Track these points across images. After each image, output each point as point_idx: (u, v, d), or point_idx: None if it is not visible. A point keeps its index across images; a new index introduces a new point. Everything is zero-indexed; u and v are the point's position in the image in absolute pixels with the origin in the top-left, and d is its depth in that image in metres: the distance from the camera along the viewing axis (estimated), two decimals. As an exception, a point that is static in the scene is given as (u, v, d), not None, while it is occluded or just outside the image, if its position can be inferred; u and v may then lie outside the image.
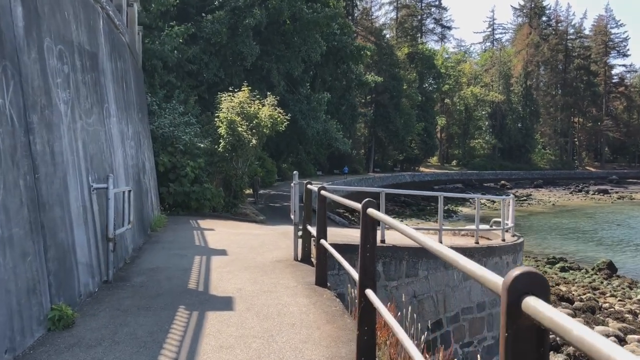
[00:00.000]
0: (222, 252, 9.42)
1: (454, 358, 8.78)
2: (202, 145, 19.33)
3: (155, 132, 18.29)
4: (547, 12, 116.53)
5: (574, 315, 19.66)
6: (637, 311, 21.52)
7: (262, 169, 33.95)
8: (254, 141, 19.47)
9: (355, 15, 72.95)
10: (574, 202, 66.73)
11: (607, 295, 24.39)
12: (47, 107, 5.39)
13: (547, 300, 1.53)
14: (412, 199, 54.55)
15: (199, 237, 11.39)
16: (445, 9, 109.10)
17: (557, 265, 29.88)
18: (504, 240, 11.39)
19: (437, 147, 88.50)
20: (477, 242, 10.64)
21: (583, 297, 23.60)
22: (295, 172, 9.12)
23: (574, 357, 15.72)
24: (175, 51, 24.30)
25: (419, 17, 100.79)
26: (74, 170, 6.09)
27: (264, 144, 23.83)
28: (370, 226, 4.33)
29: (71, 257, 5.72)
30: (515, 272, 1.55)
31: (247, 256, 9.13)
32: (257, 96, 20.57)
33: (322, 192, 7.02)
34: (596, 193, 75.25)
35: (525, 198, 67.07)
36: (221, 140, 19.45)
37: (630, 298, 23.66)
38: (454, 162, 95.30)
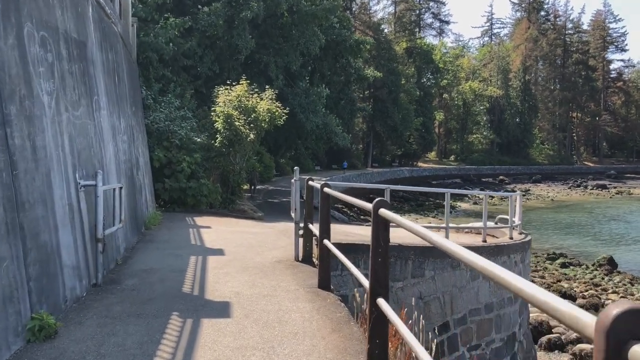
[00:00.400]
0: (219, 252, 8.99)
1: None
2: (198, 140, 18.85)
3: (151, 127, 17.81)
4: (546, 6, 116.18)
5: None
6: (641, 308, 21.19)
7: (260, 164, 33.52)
8: (251, 136, 19.01)
9: (354, 9, 72.38)
10: (572, 197, 66.54)
11: (609, 291, 24.14)
12: (27, 98, 4.95)
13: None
14: (410, 194, 54.22)
15: (194, 236, 10.95)
16: (443, 3, 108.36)
17: (558, 261, 29.62)
18: (511, 238, 10.99)
19: (435, 142, 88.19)
20: (484, 241, 10.24)
21: (585, 293, 23.36)
22: (296, 167, 8.69)
23: (579, 357, 15.39)
24: (171, 44, 23.79)
25: (417, 11, 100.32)
26: (58, 166, 5.65)
27: (262, 139, 23.38)
28: (382, 228, 3.92)
29: (55, 260, 5.29)
30: (614, 309, 1.13)
31: (245, 256, 8.70)
32: (256, 90, 20.11)
33: (325, 189, 6.61)
34: (594, 188, 75.15)
35: (523, 193, 66.24)
36: (218, 135, 18.98)
37: (633, 294, 23.40)
38: (452, 157, 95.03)
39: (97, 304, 5.74)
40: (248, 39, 28.21)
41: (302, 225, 8.24)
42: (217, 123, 18.87)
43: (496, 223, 13.07)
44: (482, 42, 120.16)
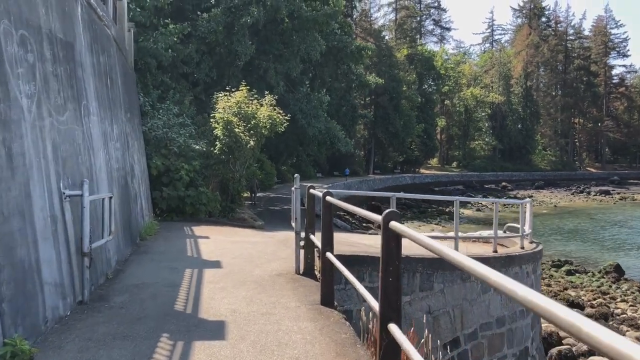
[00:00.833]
0: (216, 264, 8.54)
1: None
2: (197, 147, 18.43)
3: (148, 134, 17.41)
4: (547, 12, 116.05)
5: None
6: (652, 317, 20.73)
7: (261, 171, 33.08)
8: (251, 143, 18.58)
9: (354, 16, 72.15)
10: (576, 204, 66.02)
11: (618, 300, 23.63)
12: (2, 101, 4.52)
13: None
14: (412, 200, 53.75)
15: (191, 247, 10.50)
16: (444, 10, 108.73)
17: (563, 269, 29.07)
18: (523, 247, 10.52)
19: (437, 149, 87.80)
20: (495, 251, 9.77)
21: (594, 302, 22.84)
22: (296, 175, 8.25)
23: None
24: (170, 50, 23.41)
25: (418, 18, 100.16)
26: (39, 175, 5.22)
27: (263, 146, 22.97)
28: (393, 244, 3.47)
29: (34, 277, 4.85)
30: None
31: (244, 269, 8.24)
32: (256, 96, 19.71)
33: (328, 198, 6.16)
34: (598, 194, 74.57)
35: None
36: (217, 142, 18.56)
37: (643, 303, 22.89)
38: (454, 164, 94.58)
39: (81, 325, 5.29)
40: (248, 44, 27.85)
41: (303, 235, 7.81)
42: (216, 130, 18.46)
43: (505, 232, 12.60)
44: (483, 49, 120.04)
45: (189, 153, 17.90)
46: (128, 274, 7.82)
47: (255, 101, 19.36)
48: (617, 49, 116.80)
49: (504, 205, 62.97)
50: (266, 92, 20.79)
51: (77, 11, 7.35)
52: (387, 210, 3.49)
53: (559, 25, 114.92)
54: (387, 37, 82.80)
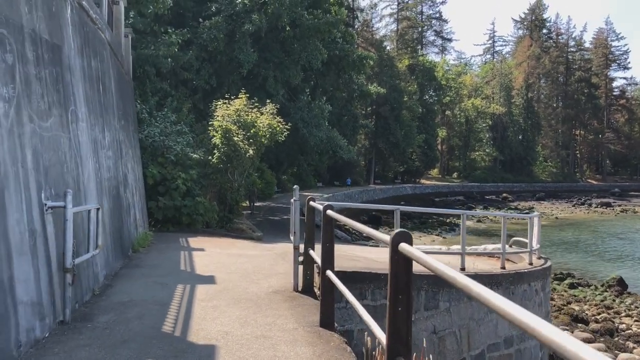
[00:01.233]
0: (210, 280, 8.10)
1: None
2: (195, 156, 18.03)
3: (145, 142, 17.02)
4: (548, 24, 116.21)
5: (593, 340, 18.37)
6: (658, 334, 20.26)
7: (262, 180, 32.68)
8: (251, 152, 18.19)
9: (356, 26, 72.04)
10: (577, 215, 65.60)
11: (622, 314, 23.16)
12: (-27, 104, 4.13)
13: None
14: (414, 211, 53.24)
15: (185, 260, 10.06)
16: (445, 21, 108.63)
17: (566, 282, 28.58)
18: (531, 264, 10.08)
19: (437, 159, 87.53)
20: (503, 267, 9.34)
21: (598, 317, 22.36)
22: (295, 186, 7.84)
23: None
24: (170, 59, 23.08)
25: (420, 29, 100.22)
26: (16, 185, 4.81)
27: (263, 155, 22.58)
28: (403, 269, 3.06)
29: (6, 296, 4.42)
30: None
31: (239, 285, 7.81)
32: (256, 104, 19.35)
33: (329, 212, 5.74)
34: (599, 206, 74.14)
35: (527, 211, 66.03)
36: (215, 151, 18.17)
37: (647, 319, 22.42)
38: (455, 175, 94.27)
39: (59, 348, 4.86)
40: (250, 52, 27.52)
41: (302, 247, 7.38)
42: (215, 138, 18.08)
43: (511, 246, 12.17)
44: (484, 60, 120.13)
45: (187, 162, 17.51)
46: (116, 289, 7.39)
47: (256, 109, 19.01)
48: (617, 62, 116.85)
49: (507, 212, 62.71)
50: (267, 101, 20.44)
51: (66, 12, 6.97)
52: (396, 231, 3.08)
53: (560, 37, 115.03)
54: (388, 48, 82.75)
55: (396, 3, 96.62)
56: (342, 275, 6.40)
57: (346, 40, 33.51)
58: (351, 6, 64.72)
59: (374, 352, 4.56)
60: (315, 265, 7.28)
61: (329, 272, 5.64)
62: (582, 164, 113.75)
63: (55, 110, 6.16)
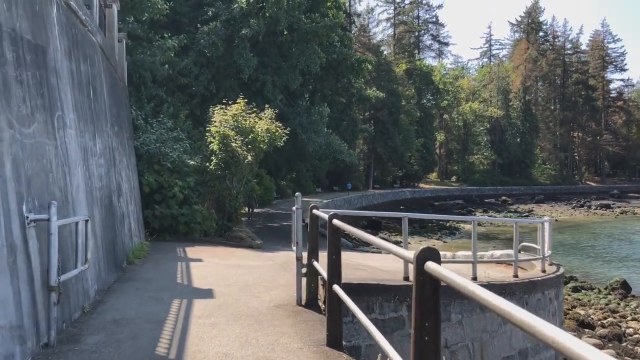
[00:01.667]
0: (208, 294, 7.66)
1: None
2: (192, 163, 17.59)
3: (140, 149, 16.59)
4: (544, 27, 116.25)
5: (602, 346, 17.96)
6: (666, 337, 19.88)
7: (261, 186, 32.28)
8: (249, 158, 17.77)
9: (353, 32, 71.81)
10: (576, 218, 65.27)
11: (629, 318, 22.75)
12: (-59, 108, 3.70)
13: None
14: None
15: (182, 272, 9.60)
16: (442, 25, 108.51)
17: (569, 285, 28.13)
18: (544, 271, 9.65)
19: (436, 163, 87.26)
20: (515, 275, 8.90)
21: (604, 322, 21.93)
22: (298, 193, 7.41)
23: None
24: (167, 65, 22.65)
25: (417, 33, 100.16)
26: (-7, 198, 4.38)
27: (262, 161, 22.16)
28: (430, 291, 2.63)
29: (-19, 322, 3.98)
30: None
31: (239, 299, 7.36)
32: (254, 109, 18.95)
33: (335, 221, 5.31)
34: (598, 208, 73.86)
35: (527, 214, 65.83)
36: (213, 157, 17.74)
37: (654, 322, 22.01)
38: (454, 178, 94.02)
39: (41, 377, 4.42)
40: (250, 57, 27.12)
41: (303, 256, 6.95)
42: (212, 144, 17.67)
43: (520, 252, 11.72)
44: (481, 63, 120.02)
45: (183, 169, 17.07)
46: (108, 306, 6.93)
47: (254, 114, 18.62)
48: (614, 63, 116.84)
49: (507, 214, 62.22)
50: (266, 106, 20.04)
51: (51, 12, 6.55)
52: (422, 248, 2.66)
53: (556, 40, 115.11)
54: (385, 52, 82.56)
55: (392, 8, 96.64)
56: (348, 287, 5.97)
57: (344, 44, 33.18)
58: (348, 11, 64.55)
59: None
60: (319, 277, 6.86)
61: (336, 287, 5.20)
62: (581, 166, 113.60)
63: (39, 116, 5.73)
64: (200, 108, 26.83)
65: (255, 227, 23.95)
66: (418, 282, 2.65)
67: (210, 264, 10.73)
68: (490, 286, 7.66)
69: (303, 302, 6.96)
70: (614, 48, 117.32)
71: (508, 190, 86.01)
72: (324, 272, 5.84)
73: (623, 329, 20.98)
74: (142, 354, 5.01)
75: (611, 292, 26.56)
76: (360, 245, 25.57)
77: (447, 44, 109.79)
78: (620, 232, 51.89)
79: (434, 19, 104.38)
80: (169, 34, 23.44)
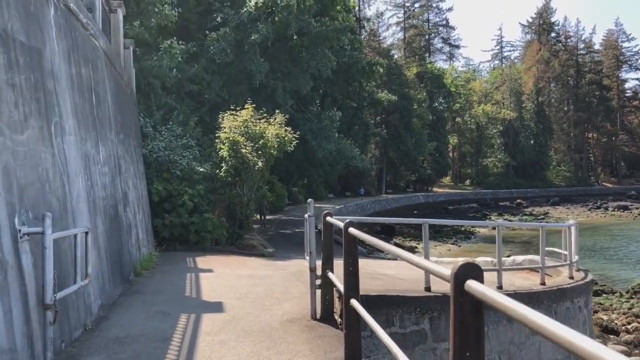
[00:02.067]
0: (217, 308, 7.25)
1: None
2: (201, 170, 17.24)
3: (149, 157, 16.28)
4: (556, 28, 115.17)
5: (629, 353, 17.36)
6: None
7: (272, 193, 31.91)
8: (260, 164, 17.41)
9: (363, 36, 71.53)
10: (594, 220, 64.20)
11: (654, 323, 22.01)
12: None
13: None
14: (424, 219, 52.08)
15: (191, 284, 9.21)
16: (452, 28, 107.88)
17: (589, 289, 27.45)
18: (571, 277, 9.13)
19: (449, 167, 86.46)
20: (543, 283, 8.39)
21: (629, 327, 21.27)
22: (310, 200, 7.01)
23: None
24: (175, 70, 22.40)
25: (427, 36, 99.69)
26: (-20, 210, 4.01)
27: (273, 167, 21.78)
28: (472, 317, 2.21)
29: (-36, 348, 3.61)
30: None
31: (250, 312, 6.95)
32: (264, 115, 18.61)
33: (351, 230, 4.89)
34: (616, 209, 72.59)
35: (542, 216, 64.84)
36: (223, 164, 17.40)
37: (680, 326, 21.29)
38: (468, 182, 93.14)
39: (33, 406, 4.03)
40: (261, 62, 26.82)
41: (317, 266, 6.52)
42: (222, 150, 17.32)
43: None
44: (492, 66, 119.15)
45: (193, 176, 16.73)
46: (112, 322, 6.55)
47: (263, 120, 18.28)
48: (629, 63, 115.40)
49: (522, 217, 61.33)
50: (276, 111, 19.71)
51: (48, 13, 6.22)
52: (461, 262, 2.23)
53: (569, 40, 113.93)
54: (396, 56, 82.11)
55: (402, 11, 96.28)
56: (365, 299, 5.55)
57: (354, 48, 32.79)
58: (358, 16, 64.24)
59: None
60: (334, 288, 6.44)
61: (354, 302, 4.77)
62: (596, 167, 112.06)
63: (34, 122, 5.38)
64: (210, 115, 26.61)
65: (267, 234, 23.56)
66: (457, 304, 2.23)
67: (220, 275, 10.33)
68: (517, 295, 7.20)
69: (318, 316, 6.53)
70: (628, 47, 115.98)
71: (523, 193, 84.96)
72: (340, 285, 5.42)
73: (650, 334, 20.36)
74: (145, 377, 4.61)
75: (633, 296, 25.84)
76: (374, 252, 25.05)
77: (458, 47, 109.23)
78: (639, 233, 50.94)
79: (444, 22, 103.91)
80: (176, 40, 23.21)
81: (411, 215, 55.12)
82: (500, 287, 7.55)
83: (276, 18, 26.55)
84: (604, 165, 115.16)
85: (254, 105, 18.71)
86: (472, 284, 2.15)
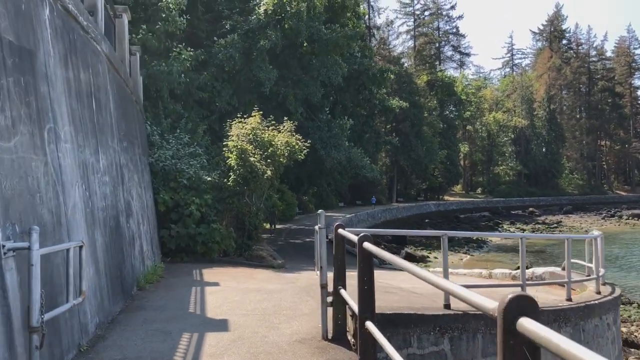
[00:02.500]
0: (222, 326, 6.80)
1: None
2: (209, 179, 16.84)
3: (155, 166, 15.92)
4: (568, 35, 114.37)
5: (652, 370, 16.65)
6: None
7: (282, 202, 31.50)
8: (269, 172, 16.98)
9: (373, 45, 71.25)
10: (608, 228, 63.11)
11: (675, 334, 21.28)
12: None
13: None
14: (437, 229, 51.54)
15: (196, 299, 8.77)
16: (462, 36, 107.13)
17: (607, 301, 26.74)
18: (599, 292, 8.58)
19: (461, 175, 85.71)
20: (569, 299, 7.84)
21: (650, 340, 20.57)
22: (320, 211, 6.57)
23: None
24: (183, 75, 22.12)
25: (437, 44, 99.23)
26: (-46, 225, 3.61)
27: (283, 176, 21.34)
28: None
29: None
30: None
31: (256, 331, 6.50)
32: (273, 122, 18.22)
33: (366, 244, 4.45)
34: (630, 218, 71.35)
35: (555, 225, 63.85)
36: (231, 173, 17.00)
37: (701, 336, 20.57)
38: (479, 190, 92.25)
39: None
40: (270, 70, 26.50)
41: (329, 281, 6.07)
42: (230, 159, 16.94)
43: (563, 269, 10.66)
44: (503, 73, 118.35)
45: (200, 186, 16.34)
46: (109, 342, 6.12)
47: (272, 127, 17.90)
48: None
49: (535, 226, 60.43)
50: (285, 119, 19.33)
51: (42, 13, 5.86)
52: (511, 295, 1.77)
53: (580, 47, 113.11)
54: (406, 64, 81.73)
55: (412, 20, 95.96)
56: (381, 317, 5.10)
57: (365, 55, 32.39)
58: (368, 24, 63.95)
59: None
60: (347, 306, 5.99)
61: (369, 325, 4.31)
62: (610, 175, 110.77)
63: (24, 128, 4.99)
64: (219, 123, 26.31)
65: (277, 244, 23.11)
66: (507, 348, 1.77)
67: (227, 289, 9.88)
68: (544, 312, 6.70)
69: (329, 336, 6.07)
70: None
71: (535, 201, 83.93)
72: (353, 304, 4.98)
73: (672, 346, 19.66)
74: (139, 408, 4.17)
75: (651, 306, 25.16)
76: (385, 263, 24.52)
77: (468, 55, 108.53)
78: (657, 242, 50.01)
79: (454, 30, 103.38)
80: (186, 48, 22.96)
81: (422, 224, 54.43)
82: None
83: (286, 25, 26.22)
84: (617, 173, 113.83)
85: (262, 112, 18.34)
86: (526, 323, 1.69)
